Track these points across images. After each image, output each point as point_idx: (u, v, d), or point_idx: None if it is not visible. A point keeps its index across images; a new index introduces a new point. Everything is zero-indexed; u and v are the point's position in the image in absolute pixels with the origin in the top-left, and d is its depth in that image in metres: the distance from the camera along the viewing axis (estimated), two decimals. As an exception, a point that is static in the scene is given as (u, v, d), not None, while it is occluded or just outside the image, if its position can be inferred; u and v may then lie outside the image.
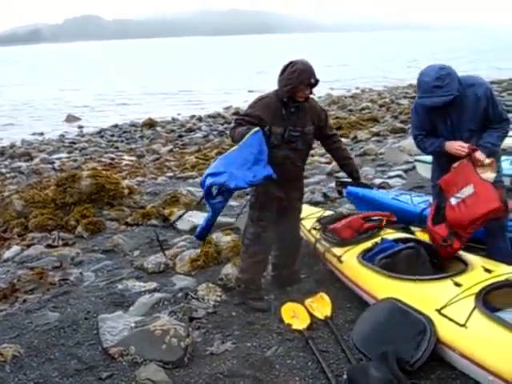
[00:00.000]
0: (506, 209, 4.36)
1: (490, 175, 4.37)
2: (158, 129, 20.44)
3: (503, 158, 7.97)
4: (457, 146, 4.46)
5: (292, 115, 4.69)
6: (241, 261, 5.11)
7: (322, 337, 4.31)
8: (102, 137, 19.67)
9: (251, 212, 4.96)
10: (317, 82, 4.61)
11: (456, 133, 4.58)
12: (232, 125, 4.84)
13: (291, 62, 4.59)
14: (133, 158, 14.69)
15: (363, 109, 21.30)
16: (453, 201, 4.42)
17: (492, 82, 28.04)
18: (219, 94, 32.81)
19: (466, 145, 4.42)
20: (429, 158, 5.32)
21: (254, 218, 4.91)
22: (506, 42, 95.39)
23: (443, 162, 4.78)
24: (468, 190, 4.32)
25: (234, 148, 4.54)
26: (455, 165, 4.44)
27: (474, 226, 4.39)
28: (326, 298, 4.79)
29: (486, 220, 4.40)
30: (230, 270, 5.34)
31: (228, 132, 4.94)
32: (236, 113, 21.72)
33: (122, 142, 18.34)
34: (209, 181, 4.47)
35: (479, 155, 4.37)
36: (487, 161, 4.37)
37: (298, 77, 4.50)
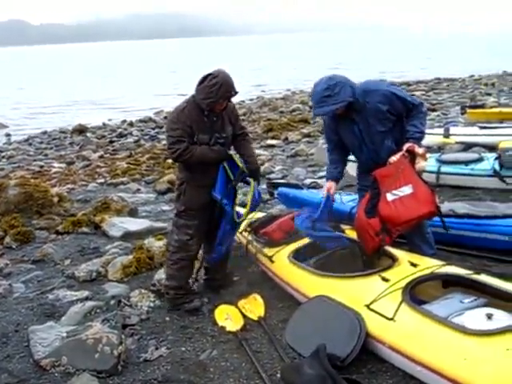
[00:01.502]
0: (438, 212, 4.49)
1: (422, 164, 4.53)
2: (89, 135, 20.06)
3: (428, 155, 8.27)
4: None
5: (214, 122, 4.71)
6: (166, 267, 5.09)
7: (255, 337, 4.35)
8: (30, 144, 19.14)
9: (177, 219, 4.94)
10: (236, 93, 4.63)
11: (366, 137, 4.72)
12: (170, 142, 4.67)
13: (211, 74, 4.55)
14: (62, 165, 14.36)
15: (294, 110, 21.43)
16: (389, 197, 4.47)
17: (419, 82, 28.84)
18: (150, 98, 32.51)
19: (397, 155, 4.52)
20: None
21: (179, 225, 4.90)
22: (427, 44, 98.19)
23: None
24: (406, 190, 4.39)
25: None
26: (393, 159, 4.50)
27: (406, 226, 4.50)
28: (259, 298, 4.83)
29: (420, 221, 4.56)
30: (162, 275, 5.29)
31: (167, 142, 4.79)
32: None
33: (52, 148, 17.91)
34: None
35: (417, 149, 4.45)
36: (421, 151, 4.47)
37: (219, 91, 4.48)
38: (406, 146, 4.47)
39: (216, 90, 4.47)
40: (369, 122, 4.64)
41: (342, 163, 5.13)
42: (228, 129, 4.83)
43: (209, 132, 4.68)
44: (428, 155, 8.31)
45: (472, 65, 38.09)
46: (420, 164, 4.48)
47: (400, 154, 4.48)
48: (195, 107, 4.64)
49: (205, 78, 4.56)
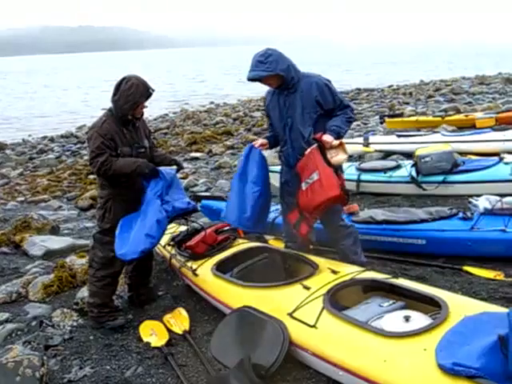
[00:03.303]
0: (345, 196, 4.58)
1: (341, 157, 4.57)
2: (8, 152, 19.55)
3: (348, 163, 8.47)
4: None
5: (133, 133, 4.73)
6: (89, 285, 5.01)
7: (181, 351, 4.33)
8: None
9: (102, 236, 4.85)
10: (153, 91, 4.67)
11: (289, 119, 4.77)
12: (91, 157, 4.61)
13: (124, 79, 4.58)
14: (-20, 185, 13.96)
15: (217, 123, 21.49)
16: (303, 186, 4.60)
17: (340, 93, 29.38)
18: (71, 113, 31.96)
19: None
20: (279, 167, 5.50)
21: (105, 242, 4.81)
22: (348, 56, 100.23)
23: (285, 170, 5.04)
24: (314, 176, 4.50)
25: None
26: (307, 151, 4.59)
27: (318, 211, 4.62)
28: (184, 312, 4.82)
29: (329, 205, 4.61)
30: (85, 293, 5.20)
31: (90, 159, 4.74)
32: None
33: (-32, 167, 17.37)
34: None
35: (326, 137, 4.53)
36: (335, 142, 4.54)
37: (137, 90, 4.52)
38: (317, 135, 4.59)
39: (135, 90, 4.51)
40: (296, 104, 4.71)
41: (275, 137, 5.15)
42: (145, 141, 4.86)
43: (130, 143, 4.69)
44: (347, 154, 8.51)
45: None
46: (338, 157, 4.55)
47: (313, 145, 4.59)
48: (114, 120, 4.64)
49: (119, 85, 4.57)
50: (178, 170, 5.06)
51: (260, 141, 5.10)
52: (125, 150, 4.65)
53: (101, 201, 4.89)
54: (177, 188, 4.93)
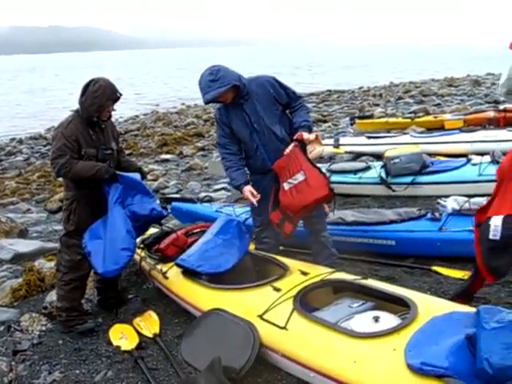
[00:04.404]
0: (332, 195, 4.57)
1: (318, 149, 4.60)
2: (-25, 154, 19.27)
3: (318, 165, 8.48)
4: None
5: (100, 135, 4.69)
6: (57, 289, 4.95)
7: (151, 355, 4.30)
8: None
9: (68, 239, 4.81)
10: (121, 95, 4.64)
11: (255, 124, 4.73)
12: (52, 157, 4.59)
13: (92, 80, 4.56)
14: None
15: (188, 124, 21.40)
16: (286, 186, 4.56)
17: (311, 94, 29.57)
18: (37, 115, 31.55)
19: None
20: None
21: (70, 244, 4.78)
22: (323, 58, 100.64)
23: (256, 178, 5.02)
24: (299, 177, 4.48)
25: None
26: (287, 150, 4.58)
27: (305, 211, 4.61)
28: (154, 315, 4.80)
29: (317, 205, 4.65)
30: (54, 297, 5.12)
31: (51, 159, 4.69)
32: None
33: None
34: None
35: (306, 135, 4.56)
36: (312, 136, 4.58)
37: (105, 93, 4.49)
38: (295, 135, 4.60)
39: (102, 92, 4.48)
40: (257, 108, 4.69)
41: (242, 165, 5.01)
42: (112, 143, 4.82)
43: (96, 145, 4.65)
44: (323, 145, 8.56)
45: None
46: (316, 150, 4.58)
47: (292, 144, 4.59)
48: (80, 121, 4.61)
49: (87, 86, 4.55)
50: (141, 179, 5.02)
51: (248, 193, 4.85)
52: (90, 151, 4.61)
53: (66, 202, 4.84)
54: (143, 193, 4.89)
